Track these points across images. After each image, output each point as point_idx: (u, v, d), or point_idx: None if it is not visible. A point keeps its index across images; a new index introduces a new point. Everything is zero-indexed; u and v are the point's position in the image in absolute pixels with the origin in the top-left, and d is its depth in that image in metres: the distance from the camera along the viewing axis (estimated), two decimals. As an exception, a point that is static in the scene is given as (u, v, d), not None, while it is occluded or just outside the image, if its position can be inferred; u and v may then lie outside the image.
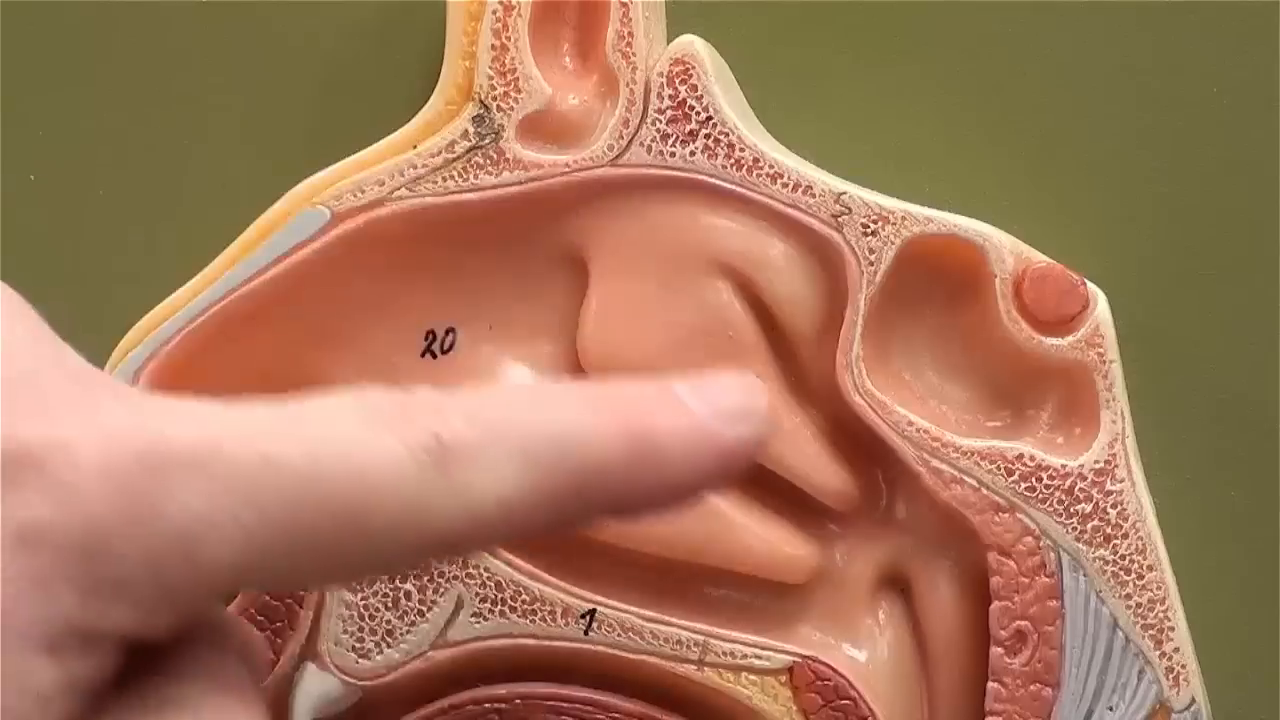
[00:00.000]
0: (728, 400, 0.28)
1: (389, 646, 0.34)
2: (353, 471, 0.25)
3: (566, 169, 0.33)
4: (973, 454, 0.33)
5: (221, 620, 0.26)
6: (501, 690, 0.34)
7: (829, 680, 0.34)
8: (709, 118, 0.33)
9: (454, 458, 0.25)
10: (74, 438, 0.23)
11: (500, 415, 0.26)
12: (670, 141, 0.33)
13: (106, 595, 0.23)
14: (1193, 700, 0.33)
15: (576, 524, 0.27)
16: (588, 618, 0.34)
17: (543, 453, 0.26)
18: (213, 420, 0.24)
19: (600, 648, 0.34)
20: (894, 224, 0.33)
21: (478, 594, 0.34)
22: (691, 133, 0.33)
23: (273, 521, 0.24)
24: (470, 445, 0.25)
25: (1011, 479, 0.33)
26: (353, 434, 0.25)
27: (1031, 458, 0.33)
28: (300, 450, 0.24)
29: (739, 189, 0.33)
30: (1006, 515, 0.33)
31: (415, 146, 0.34)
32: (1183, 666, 0.33)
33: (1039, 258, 0.33)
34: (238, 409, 0.25)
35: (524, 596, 0.34)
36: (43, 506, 0.23)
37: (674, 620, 0.34)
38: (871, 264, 0.33)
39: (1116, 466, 0.33)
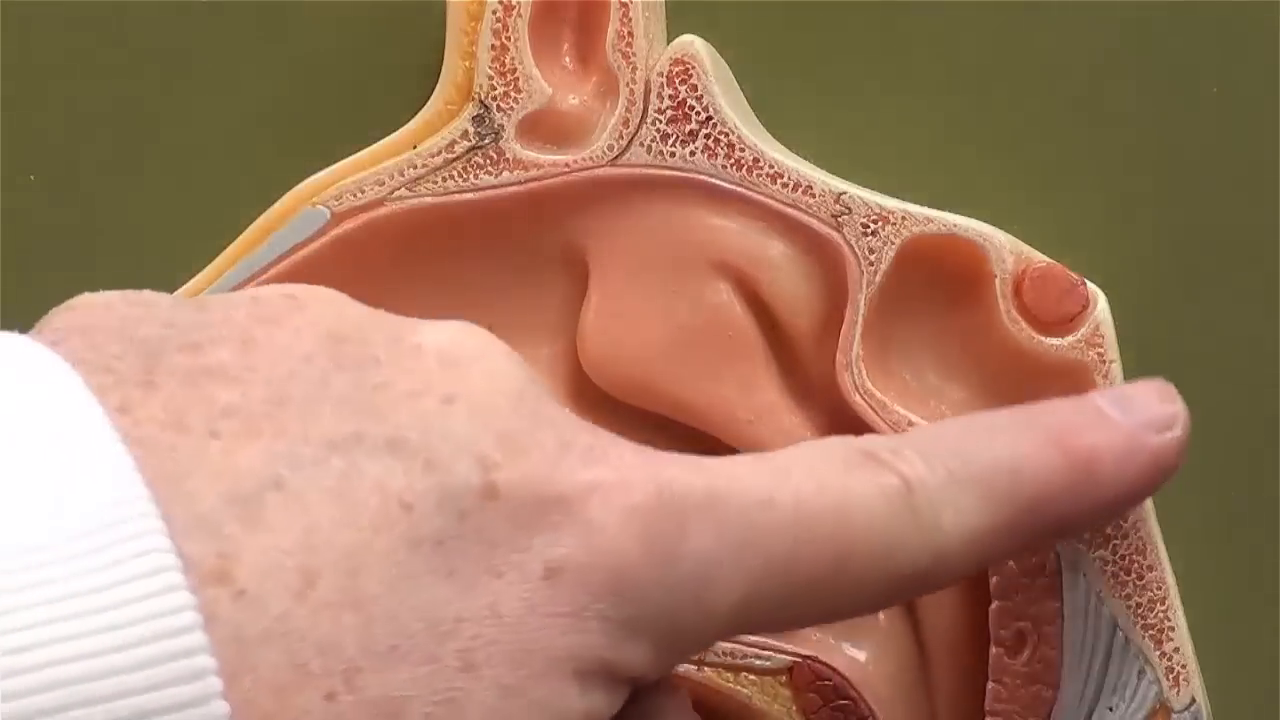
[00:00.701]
0: (1150, 408, 0.29)
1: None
2: (838, 513, 0.25)
3: (566, 169, 0.33)
4: (973, 454, 0.33)
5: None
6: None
7: (829, 680, 0.34)
8: (709, 118, 0.33)
9: (919, 497, 0.26)
10: (601, 481, 0.24)
11: (950, 451, 0.27)
12: (670, 141, 0.33)
13: (629, 633, 0.24)
14: (1193, 700, 0.33)
15: (1025, 550, 0.28)
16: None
17: (996, 484, 0.27)
18: (710, 467, 0.25)
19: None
20: (894, 224, 0.33)
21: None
22: (691, 133, 0.33)
23: (772, 564, 0.25)
24: (932, 483, 0.27)
25: (1011, 479, 0.33)
26: (832, 478, 0.26)
27: (1031, 458, 0.33)
28: (791, 494, 0.25)
29: (739, 189, 0.33)
30: (1006, 515, 0.33)
31: (415, 146, 0.34)
32: (1183, 666, 0.33)
33: (1039, 258, 0.33)
34: (726, 460, 0.26)
35: (524, 596, 0.34)
36: (573, 545, 0.23)
37: (674, 620, 0.34)
38: (871, 264, 0.33)
39: (1116, 466, 0.33)
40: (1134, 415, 0.29)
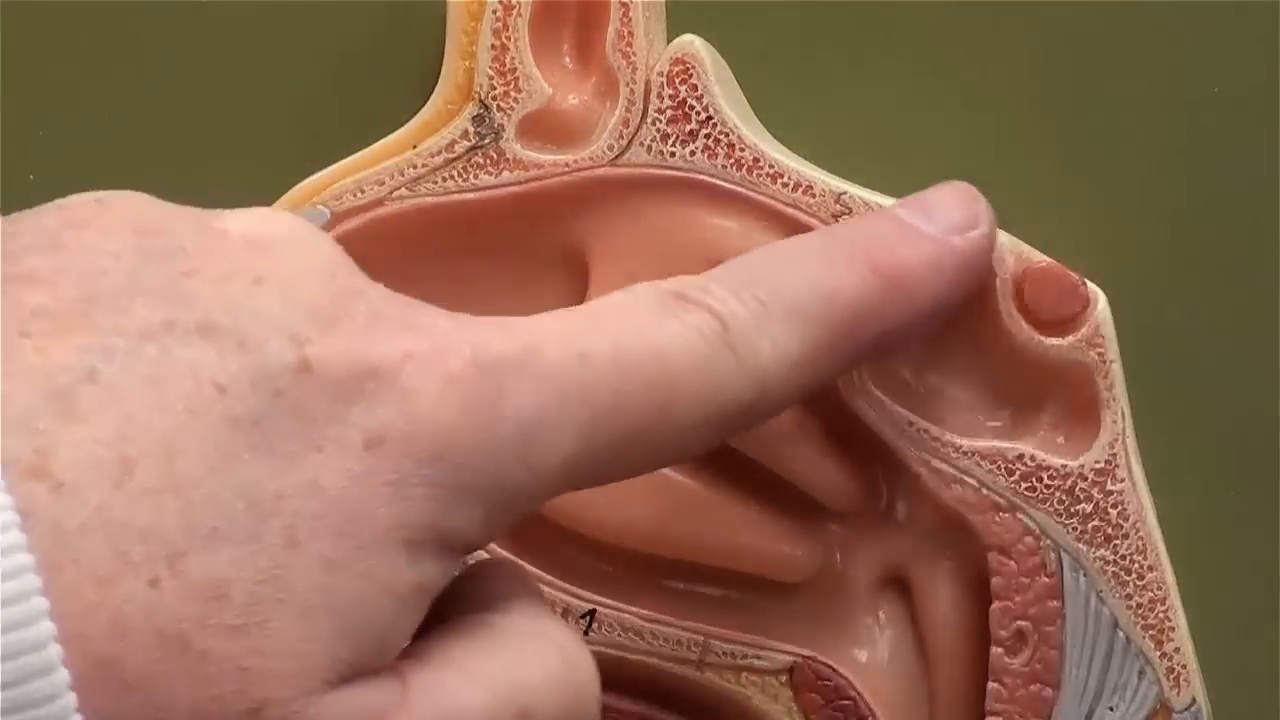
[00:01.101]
0: (952, 212, 0.30)
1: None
2: (656, 357, 0.26)
3: (566, 169, 0.33)
4: (973, 454, 0.33)
5: (499, 554, 0.27)
6: (501, 690, 0.34)
7: (829, 680, 0.34)
8: (709, 118, 0.33)
9: (734, 333, 0.27)
10: (414, 350, 0.24)
11: (760, 282, 0.27)
12: (670, 141, 0.33)
13: (457, 499, 0.24)
14: (1193, 700, 0.33)
15: (846, 370, 0.29)
16: (588, 618, 0.34)
17: (810, 311, 0.28)
18: (526, 327, 0.25)
19: (600, 648, 0.34)
20: (894, 224, 0.33)
21: (478, 594, 0.34)
22: (691, 133, 0.33)
23: (597, 416, 0.25)
24: (746, 317, 0.27)
25: (1012, 479, 0.33)
26: (647, 323, 0.26)
27: (1032, 458, 0.33)
28: (608, 344, 0.25)
29: (739, 189, 0.33)
30: (1006, 515, 0.33)
31: (415, 146, 0.34)
32: (1183, 666, 0.33)
33: (1039, 258, 0.33)
34: (539, 318, 0.26)
35: (524, 596, 0.34)
36: (391, 414, 0.24)
37: (674, 620, 0.34)
38: (871, 264, 0.33)
39: (1117, 466, 0.33)
40: (938, 221, 0.30)
